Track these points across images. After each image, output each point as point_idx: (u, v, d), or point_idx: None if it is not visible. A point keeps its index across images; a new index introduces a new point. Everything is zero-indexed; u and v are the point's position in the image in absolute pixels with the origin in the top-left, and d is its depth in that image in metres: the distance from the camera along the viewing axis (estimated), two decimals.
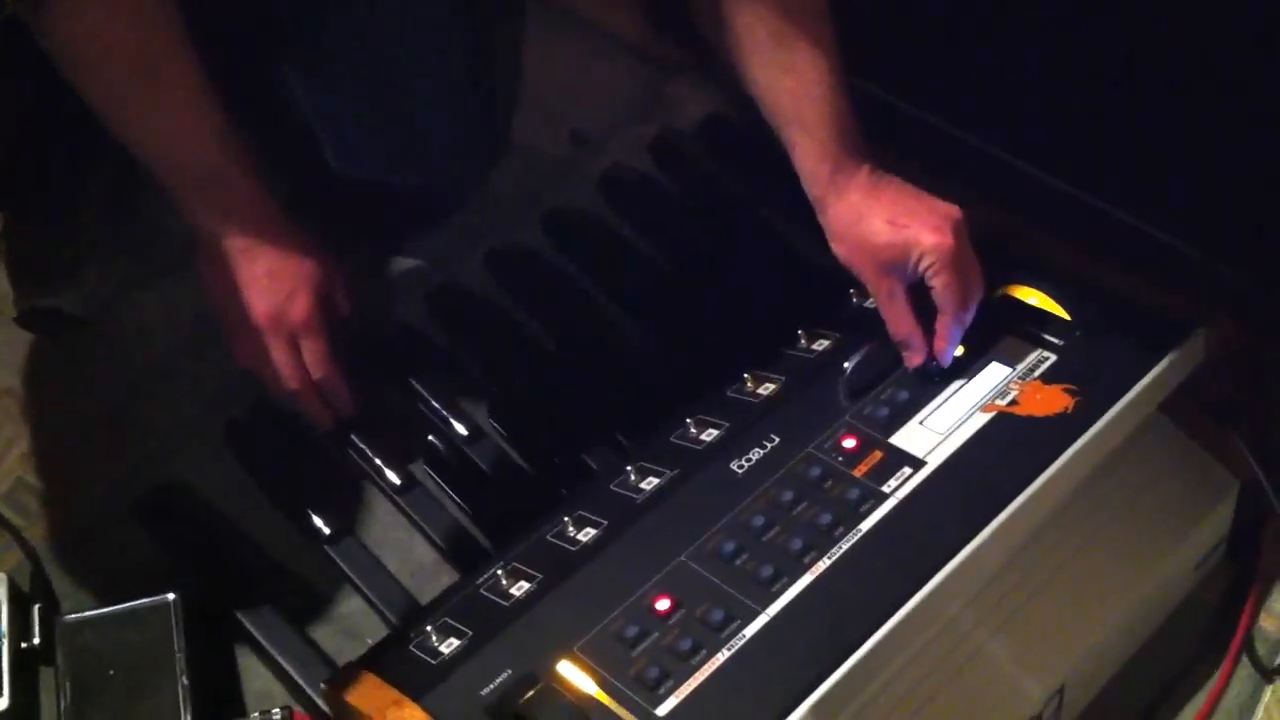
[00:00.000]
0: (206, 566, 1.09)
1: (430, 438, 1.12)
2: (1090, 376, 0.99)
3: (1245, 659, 1.07)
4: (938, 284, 0.99)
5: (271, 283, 1.07)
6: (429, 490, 1.11)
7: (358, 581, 1.05)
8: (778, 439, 1.00)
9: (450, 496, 1.10)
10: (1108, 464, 0.99)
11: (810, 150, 1.02)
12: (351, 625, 1.07)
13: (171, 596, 1.01)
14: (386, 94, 1.15)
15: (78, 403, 1.20)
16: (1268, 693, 1.06)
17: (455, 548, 1.08)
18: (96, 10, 0.95)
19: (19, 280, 1.23)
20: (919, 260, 0.99)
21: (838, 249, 1.04)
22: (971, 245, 1.00)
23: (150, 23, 0.98)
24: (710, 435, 1.02)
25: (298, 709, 1.01)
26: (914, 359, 1.02)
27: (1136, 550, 1.03)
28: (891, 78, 1.31)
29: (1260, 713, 1.05)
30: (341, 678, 0.94)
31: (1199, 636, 1.09)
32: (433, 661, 0.91)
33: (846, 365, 1.03)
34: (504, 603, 0.94)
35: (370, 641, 1.02)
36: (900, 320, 1.02)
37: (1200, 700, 1.05)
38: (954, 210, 1.00)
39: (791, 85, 1.02)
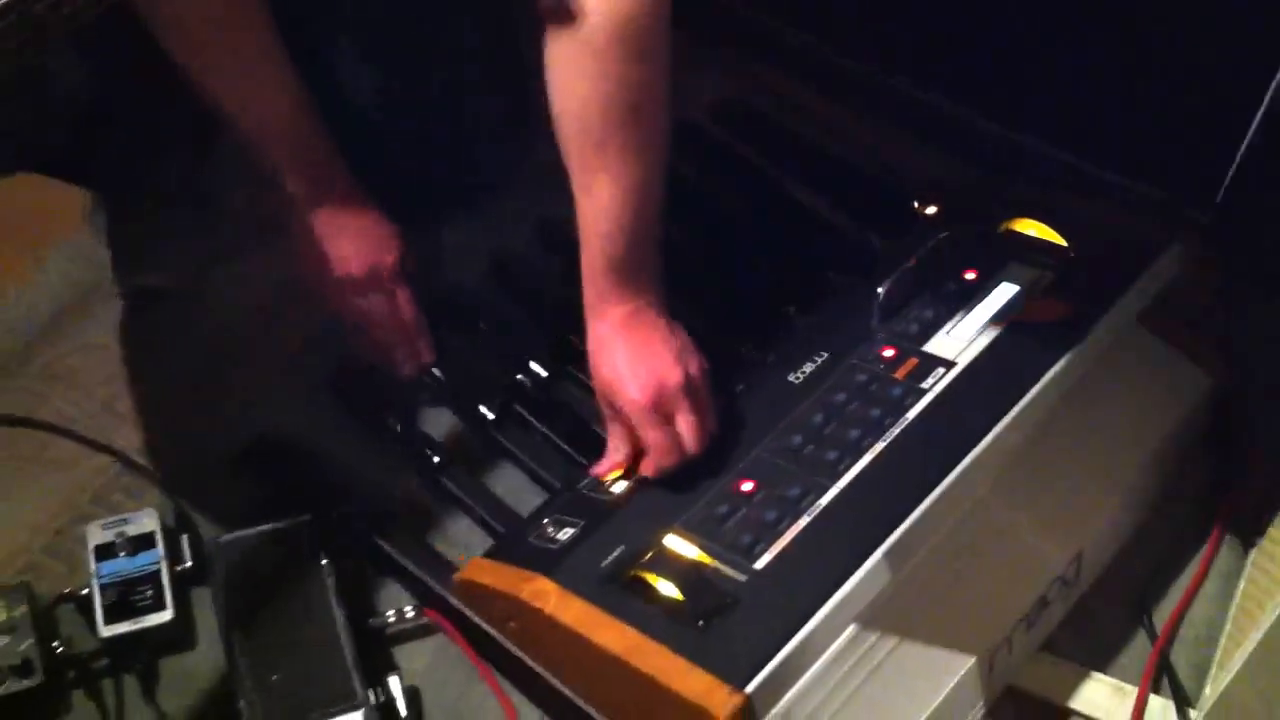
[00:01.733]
0: (312, 501, 1.24)
1: (518, 376, 1.27)
2: (1084, 289, 1.18)
3: (1230, 534, 1.25)
4: (638, 435, 1.10)
5: (364, 239, 1.24)
6: (517, 423, 1.27)
7: (468, 502, 1.21)
8: (826, 354, 1.17)
9: (537, 427, 1.26)
10: (1101, 362, 1.17)
11: (586, 271, 1.11)
12: (459, 541, 1.22)
13: (308, 517, 1.17)
14: (436, 77, 1.31)
15: (180, 364, 1.35)
16: (1249, 560, 1.24)
17: (545, 469, 1.24)
18: None
19: (118, 260, 1.38)
20: (620, 407, 1.10)
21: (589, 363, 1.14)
22: (685, 407, 1.09)
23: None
24: (770, 357, 1.20)
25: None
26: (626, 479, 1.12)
27: (1129, 436, 1.21)
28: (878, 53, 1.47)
29: (1244, 578, 1.23)
30: (472, 570, 1.10)
31: (1190, 515, 1.27)
32: (553, 546, 1.07)
33: (879, 290, 1.20)
34: (607, 499, 1.11)
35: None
36: (615, 448, 1.13)
37: (1195, 566, 1.23)
38: (671, 375, 1.08)
39: (586, 208, 1.08)
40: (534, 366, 1.28)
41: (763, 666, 0.94)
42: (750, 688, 0.93)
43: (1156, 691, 1.15)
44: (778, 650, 0.95)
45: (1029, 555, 1.14)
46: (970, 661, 1.08)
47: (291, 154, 1.21)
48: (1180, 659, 1.17)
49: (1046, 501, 1.15)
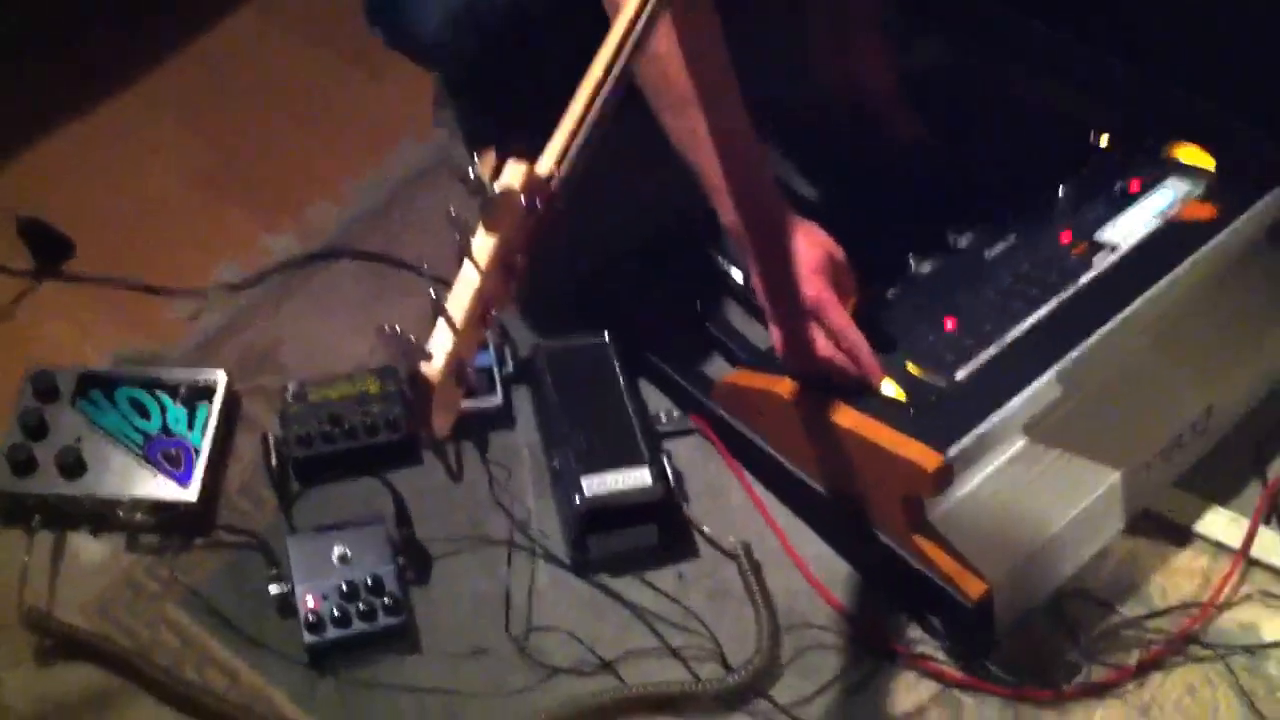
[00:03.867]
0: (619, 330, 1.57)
1: None
2: (1226, 199, 1.47)
3: None
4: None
5: (821, 263, 1.33)
6: None
7: (729, 343, 1.55)
8: (1015, 237, 1.49)
9: None
10: (1241, 260, 1.46)
11: None
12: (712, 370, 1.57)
13: (606, 335, 1.52)
14: None
15: None
16: None
17: None
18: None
19: (473, 144, 1.71)
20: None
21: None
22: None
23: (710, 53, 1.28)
24: (970, 237, 1.52)
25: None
26: None
27: (1258, 324, 1.51)
28: None
29: None
30: (731, 377, 1.45)
31: None
32: None
33: (1060, 190, 1.52)
34: None
35: None
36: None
37: None
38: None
39: None
40: None
41: (959, 440, 1.26)
42: (950, 452, 1.25)
43: (1266, 524, 1.44)
44: (970, 431, 1.27)
45: (1170, 401, 1.44)
46: (1114, 476, 1.39)
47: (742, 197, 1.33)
48: None
49: (1187, 362, 1.45)
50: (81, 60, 1.92)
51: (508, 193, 0.95)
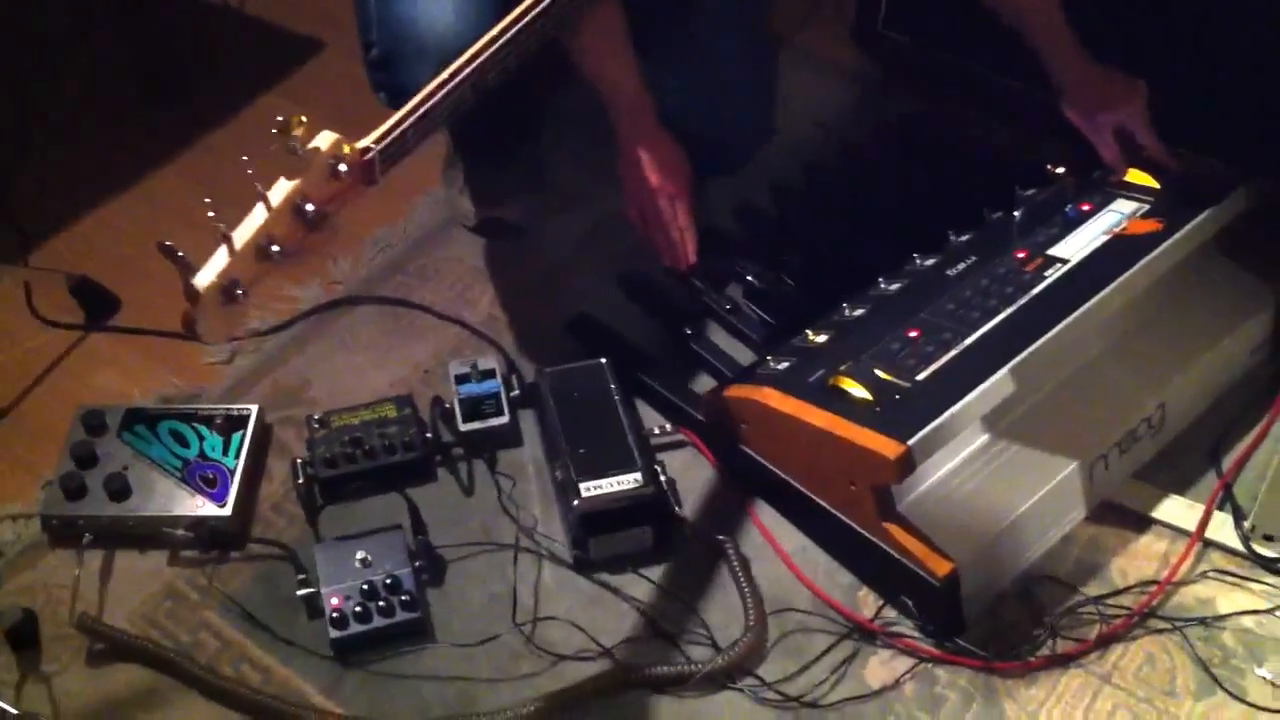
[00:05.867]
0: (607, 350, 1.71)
1: (748, 278, 1.76)
2: (1171, 214, 1.61)
3: None
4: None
5: (662, 166, 1.68)
6: (747, 312, 1.75)
7: (714, 362, 1.69)
8: (975, 257, 1.62)
9: (760, 315, 1.74)
10: (1183, 269, 1.59)
11: None
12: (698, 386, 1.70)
13: (604, 360, 1.66)
14: (706, 68, 1.80)
15: (520, 275, 1.88)
16: None
17: (770, 340, 1.70)
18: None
19: (477, 198, 1.91)
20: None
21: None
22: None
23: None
24: (930, 261, 1.65)
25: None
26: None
27: (1204, 328, 1.63)
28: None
29: None
30: (716, 390, 1.59)
31: (1257, 396, 1.66)
32: (775, 370, 1.54)
33: (1015, 215, 1.65)
34: (812, 346, 1.57)
35: None
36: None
37: (1259, 427, 1.62)
38: None
39: None
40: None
41: (919, 431, 1.39)
42: (911, 441, 1.37)
43: (1220, 509, 1.55)
44: (930, 423, 1.39)
45: (1123, 399, 1.57)
46: (1072, 466, 1.51)
47: (629, 111, 1.68)
48: (1241, 491, 1.57)
49: (1139, 362, 1.58)
50: (128, 141, 2.11)
51: (311, 151, 1.14)
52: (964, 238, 1.69)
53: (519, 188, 1.92)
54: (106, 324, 1.83)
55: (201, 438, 1.62)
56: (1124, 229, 1.61)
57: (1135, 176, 1.68)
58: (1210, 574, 1.51)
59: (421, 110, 1.25)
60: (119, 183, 2.05)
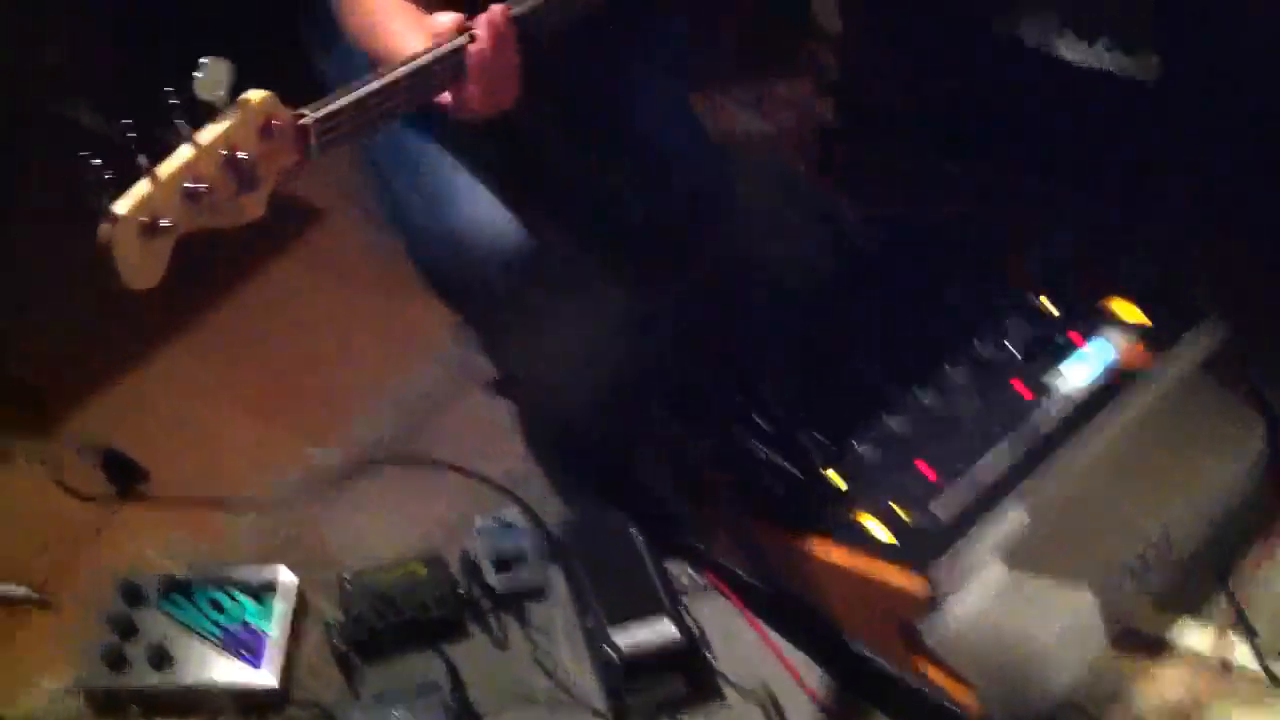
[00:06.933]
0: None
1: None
2: (1161, 346, 1.68)
3: None
4: None
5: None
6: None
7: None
8: (974, 389, 1.69)
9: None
10: (1174, 397, 1.66)
11: None
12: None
13: (627, 515, 1.71)
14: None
15: (539, 427, 1.94)
16: None
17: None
18: None
19: (494, 359, 1.96)
20: None
21: None
22: None
23: None
24: (936, 397, 1.72)
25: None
26: None
27: (1201, 451, 1.70)
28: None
29: None
30: (737, 531, 1.64)
31: (1259, 517, 1.73)
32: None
33: (1007, 343, 1.73)
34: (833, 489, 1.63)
35: None
36: None
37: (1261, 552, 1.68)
38: None
39: None
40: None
41: (941, 566, 1.44)
42: (934, 577, 1.43)
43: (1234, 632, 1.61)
44: (954, 556, 1.45)
45: (1128, 525, 1.62)
46: (1089, 596, 1.56)
47: None
48: (1253, 611, 1.63)
49: (1138, 489, 1.64)
50: (145, 318, 2.15)
51: (241, 102, 1.18)
52: (963, 374, 1.77)
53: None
54: (136, 494, 1.88)
55: (238, 603, 1.66)
56: (1115, 358, 1.69)
57: (1120, 306, 1.77)
58: (1233, 697, 1.56)
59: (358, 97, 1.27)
60: (139, 358, 2.08)
